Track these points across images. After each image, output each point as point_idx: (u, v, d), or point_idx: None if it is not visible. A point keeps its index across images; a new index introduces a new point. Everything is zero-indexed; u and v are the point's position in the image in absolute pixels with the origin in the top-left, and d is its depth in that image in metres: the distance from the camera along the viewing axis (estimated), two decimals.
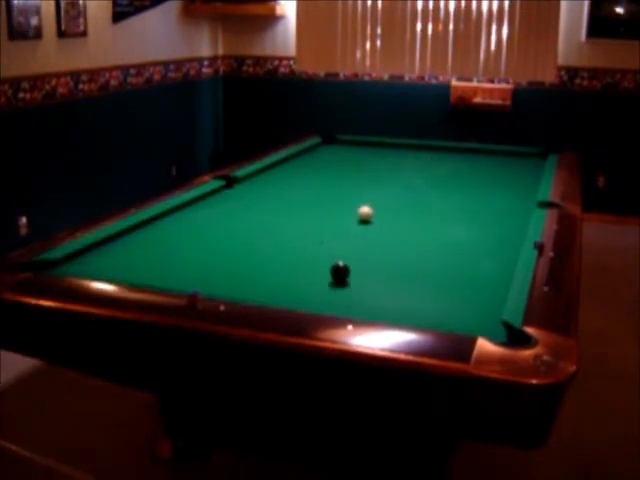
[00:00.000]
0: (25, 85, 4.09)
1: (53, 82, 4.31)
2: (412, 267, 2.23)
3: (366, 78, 5.85)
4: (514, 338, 1.62)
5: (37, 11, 4.07)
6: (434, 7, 5.49)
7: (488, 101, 5.53)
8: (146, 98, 5.25)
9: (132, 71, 5.06)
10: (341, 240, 2.49)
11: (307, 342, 1.60)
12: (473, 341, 1.55)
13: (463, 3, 5.43)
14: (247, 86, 6.21)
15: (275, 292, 1.93)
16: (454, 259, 2.31)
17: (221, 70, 6.24)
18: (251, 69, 6.16)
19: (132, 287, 1.91)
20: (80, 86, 4.54)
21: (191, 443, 2.46)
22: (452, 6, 5.45)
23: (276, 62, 6.05)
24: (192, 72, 5.84)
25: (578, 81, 5.43)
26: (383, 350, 1.55)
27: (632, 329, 3.55)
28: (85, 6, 4.46)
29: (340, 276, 2.02)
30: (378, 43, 5.67)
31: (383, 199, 3.08)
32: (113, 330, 1.79)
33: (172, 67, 5.56)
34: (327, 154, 4.07)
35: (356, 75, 5.86)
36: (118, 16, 4.83)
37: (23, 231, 4.18)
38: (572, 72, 5.43)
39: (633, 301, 3.87)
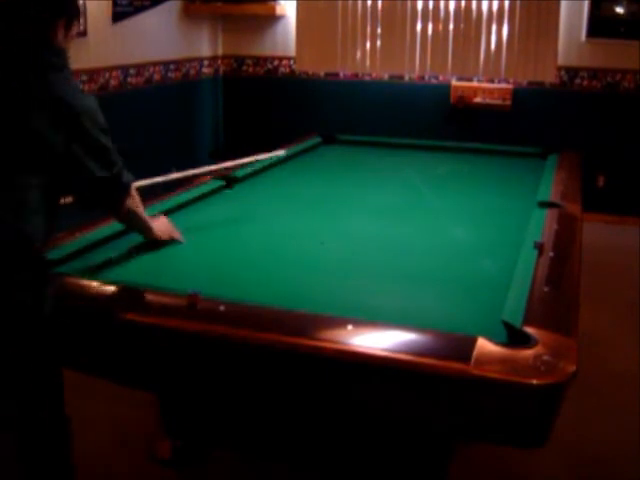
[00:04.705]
0: None
1: None
2: (412, 267, 2.23)
3: (366, 78, 5.85)
4: (514, 338, 1.62)
5: None
6: (434, 7, 5.48)
7: (488, 101, 5.53)
8: (146, 98, 5.25)
9: (132, 71, 5.06)
10: (341, 240, 2.49)
11: (307, 342, 1.60)
12: (473, 341, 1.55)
13: (463, 3, 5.43)
14: (247, 86, 6.20)
15: (275, 292, 1.93)
16: (454, 259, 2.31)
17: (221, 70, 6.24)
18: (251, 69, 6.16)
19: (132, 287, 1.90)
20: (80, 86, 4.53)
21: (191, 443, 2.46)
22: (452, 6, 5.45)
23: (276, 62, 6.05)
24: (192, 72, 5.84)
25: (578, 81, 5.43)
26: (383, 350, 1.55)
27: (632, 329, 3.55)
28: (85, 6, 4.46)
29: None
30: (378, 43, 5.67)
31: (383, 199, 3.08)
32: (112, 330, 1.79)
33: (172, 67, 5.56)
34: (327, 154, 4.06)
35: (356, 75, 5.85)
36: (118, 16, 4.83)
37: None
38: (572, 72, 5.42)
39: (633, 301, 3.87)
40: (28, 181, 1.69)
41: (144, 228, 2.16)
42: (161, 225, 2.26)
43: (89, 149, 1.76)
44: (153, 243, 2.26)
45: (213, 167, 3.06)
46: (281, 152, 3.43)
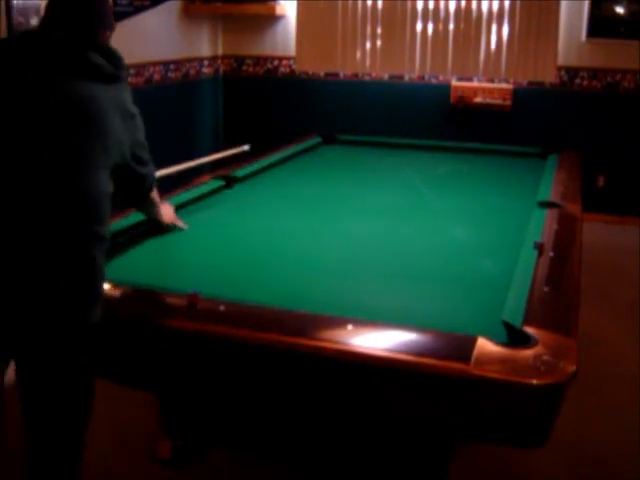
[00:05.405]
0: None
1: None
2: (412, 267, 2.23)
3: (366, 78, 5.85)
4: (514, 338, 1.62)
5: (37, 11, 4.06)
6: (434, 7, 5.48)
7: (488, 101, 5.53)
8: (146, 98, 5.25)
9: (132, 71, 5.06)
10: (341, 240, 2.49)
11: (307, 342, 1.60)
12: (473, 341, 1.55)
13: (463, 3, 5.42)
14: (247, 86, 6.20)
15: (275, 292, 1.93)
16: (454, 259, 2.31)
17: (221, 70, 6.24)
18: (251, 69, 6.15)
19: (132, 287, 1.90)
20: None
21: (191, 443, 2.47)
22: (452, 6, 5.45)
23: (276, 62, 6.05)
24: (192, 72, 5.84)
25: (578, 81, 5.43)
26: (383, 350, 1.55)
27: (632, 329, 3.55)
28: None
29: None
30: (378, 43, 5.67)
31: (383, 199, 3.08)
32: (112, 330, 1.79)
33: (172, 67, 5.56)
34: (327, 154, 4.07)
35: (356, 75, 5.85)
36: (118, 16, 4.82)
37: None
38: (572, 72, 5.42)
39: (633, 301, 3.87)
40: (107, 190, 1.71)
41: (155, 212, 2.32)
42: (167, 211, 2.42)
43: (138, 148, 1.87)
44: (155, 240, 2.28)
45: (180, 167, 3.22)
46: (245, 147, 3.66)
